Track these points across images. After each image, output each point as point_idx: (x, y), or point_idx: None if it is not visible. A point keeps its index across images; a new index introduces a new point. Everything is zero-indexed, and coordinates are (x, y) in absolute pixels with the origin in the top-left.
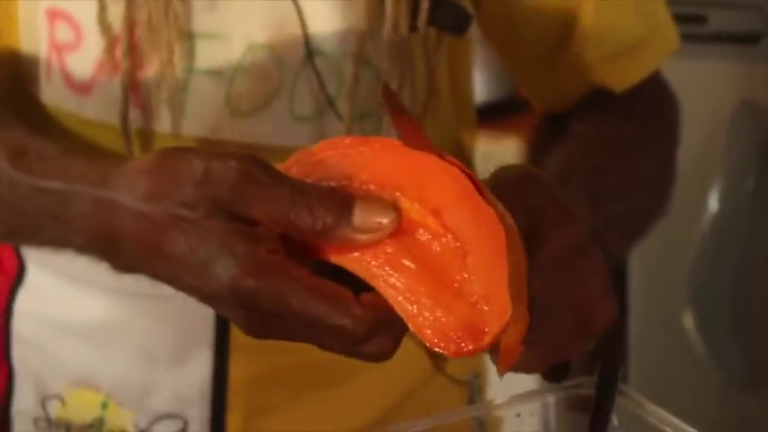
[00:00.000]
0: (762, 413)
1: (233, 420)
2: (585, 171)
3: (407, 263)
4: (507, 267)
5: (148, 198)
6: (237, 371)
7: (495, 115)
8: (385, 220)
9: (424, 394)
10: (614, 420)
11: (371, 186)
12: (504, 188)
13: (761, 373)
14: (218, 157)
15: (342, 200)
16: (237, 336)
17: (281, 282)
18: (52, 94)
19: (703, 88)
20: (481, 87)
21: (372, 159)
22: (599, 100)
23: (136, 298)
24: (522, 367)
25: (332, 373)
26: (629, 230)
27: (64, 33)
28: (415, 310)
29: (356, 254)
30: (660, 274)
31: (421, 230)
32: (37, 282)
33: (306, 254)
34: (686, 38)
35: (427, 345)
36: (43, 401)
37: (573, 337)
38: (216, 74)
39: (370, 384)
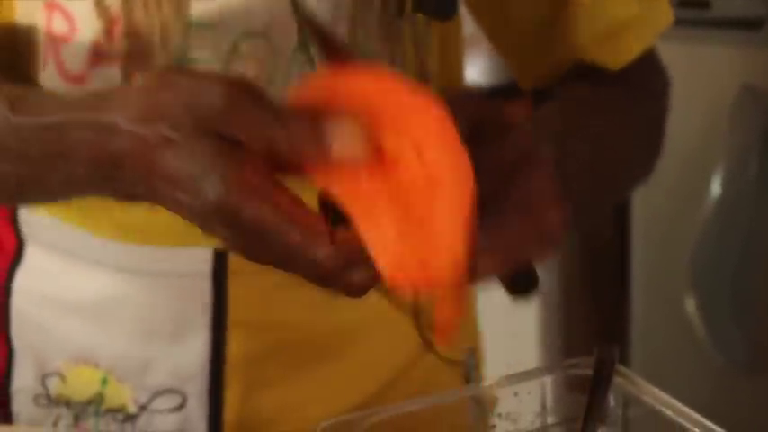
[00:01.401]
0: (763, 397)
1: (231, 395)
2: (556, 118)
3: (381, 194)
4: (469, 220)
5: (141, 119)
6: (235, 346)
7: (502, 99)
8: (359, 143)
9: (418, 372)
10: (611, 400)
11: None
12: (449, 102)
13: (762, 357)
14: (206, 79)
15: (319, 121)
16: (236, 312)
17: (261, 204)
18: (47, 84)
19: (706, 73)
20: (489, 71)
21: (364, 91)
22: (586, 72)
23: (134, 275)
24: (480, 274)
25: (328, 348)
26: (597, 171)
27: (59, 24)
28: (378, 240)
29: (335, 176)
30: (662, 259)
31: (400, 163)
32: (36, 260)
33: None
34: (690, 23)
35: (380, 272)
36: (43, 378)
37: (526, 240)
38: (210, 62)
39: (367, 359)
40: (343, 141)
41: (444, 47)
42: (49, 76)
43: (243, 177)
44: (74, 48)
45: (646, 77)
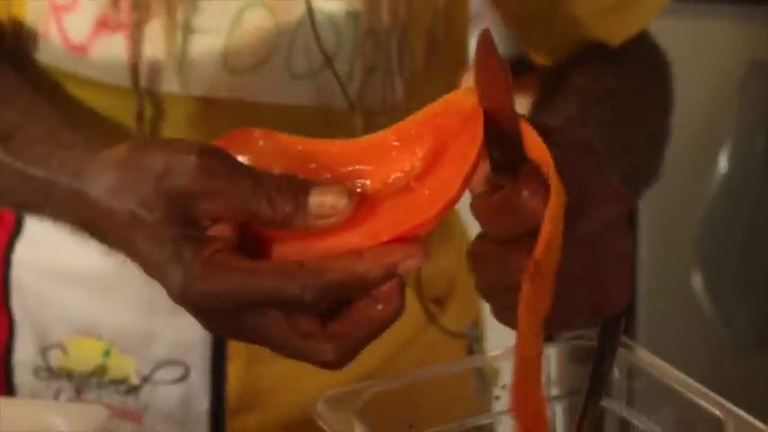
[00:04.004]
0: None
1: (233, 366)
2: (598, 125)
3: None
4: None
5: (112, 194)
6: None
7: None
8: (341, 204)
9: (420, 344)
10: (615, 372)
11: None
12: (562, 158)
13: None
14: (179, 150)
15: (297, 187)
16: None
17: (224, 280)
18: (50, 55)
19: (714, 49)
20: None
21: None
22: (596, 54)
23: None
24: (553, 328)
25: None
26: (635, 188)
27: None
28: None
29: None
30: (669, 235)
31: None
32: (36, 232)
33: (272, 243)
34: None
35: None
36: (44, 351)
37: (584, 313)
38: (213, 32)
39: None
40: (324, 207)
41: (450, 17)
42: (51, 47)
43: (202, 259)
44: (78, 17)
45: (651, 64)
